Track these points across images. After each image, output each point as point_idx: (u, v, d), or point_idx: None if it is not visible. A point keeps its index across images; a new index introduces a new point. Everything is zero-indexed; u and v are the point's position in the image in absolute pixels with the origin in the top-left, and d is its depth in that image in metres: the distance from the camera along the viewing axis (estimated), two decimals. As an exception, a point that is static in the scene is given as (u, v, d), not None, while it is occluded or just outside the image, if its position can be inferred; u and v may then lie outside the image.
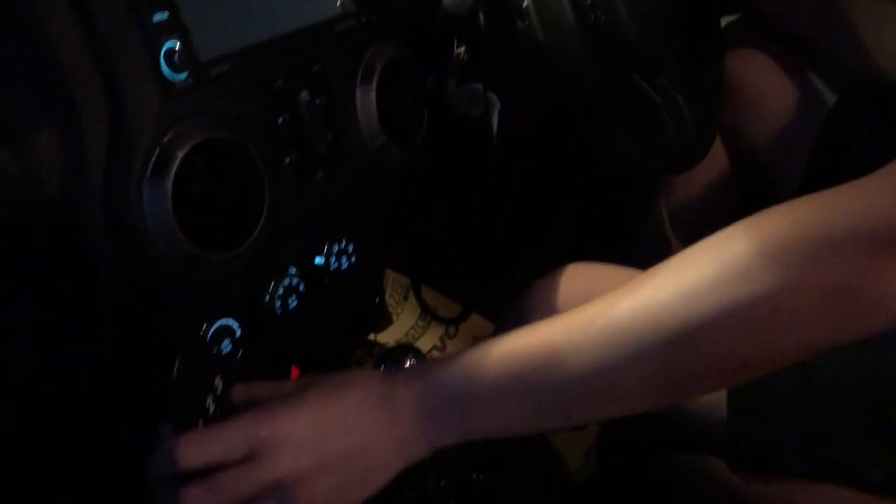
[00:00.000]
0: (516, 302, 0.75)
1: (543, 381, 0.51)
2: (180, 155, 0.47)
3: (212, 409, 0.56)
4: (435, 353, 1.33)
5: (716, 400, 0.68)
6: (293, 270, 0.65)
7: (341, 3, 0.60)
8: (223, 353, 0.57)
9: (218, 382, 0.57)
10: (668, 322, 0.48)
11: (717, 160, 1.00)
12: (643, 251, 1.05)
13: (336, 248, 0.69)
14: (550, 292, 0.71)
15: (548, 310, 0.70)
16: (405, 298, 1.42)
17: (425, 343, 1.34)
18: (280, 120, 0.55)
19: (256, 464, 0.50)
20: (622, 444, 0.80)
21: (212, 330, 0.58)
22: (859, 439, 0.64)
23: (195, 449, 0.50)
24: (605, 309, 0.50)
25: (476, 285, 1.18)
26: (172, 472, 0.50)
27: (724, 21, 1.00)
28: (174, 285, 0.51)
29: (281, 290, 0.64)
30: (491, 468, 0.79)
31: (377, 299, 0.78)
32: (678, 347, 0.48)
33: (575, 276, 0.73)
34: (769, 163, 0.93)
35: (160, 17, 0.47)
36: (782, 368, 0.60)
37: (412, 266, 1.31)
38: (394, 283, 1.53)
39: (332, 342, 0.73)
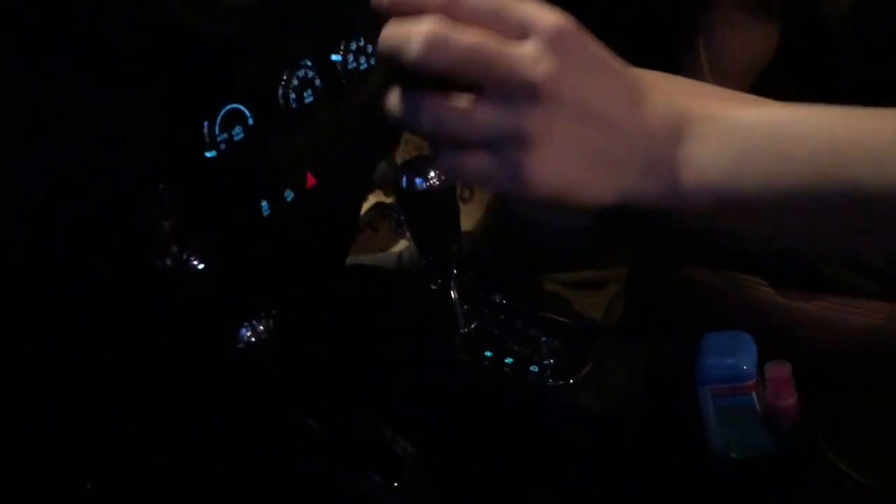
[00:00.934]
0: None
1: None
2: None
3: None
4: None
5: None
6: (307, 63, 0.60)
7: None
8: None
9: None
10: None
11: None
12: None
13: (354, 45, 0.64)
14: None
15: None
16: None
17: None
18: None
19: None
20: (655, 275, 0.76)
21: (221, 113, 0.54)
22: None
23: None
24: None
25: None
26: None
27: None
28: (185, 40, 0.46)
29: (295, 81, 0.59)
30: (516, 296, 0.76)
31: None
32: None
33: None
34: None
35: None
36: None
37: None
38: (406, 146, 1.49)
39: (349, 154, 0.68)
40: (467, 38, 0.39)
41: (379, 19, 0.41)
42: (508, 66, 0.39)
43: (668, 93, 0.43)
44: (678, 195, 0.42)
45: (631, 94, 0.42)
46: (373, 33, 0.41)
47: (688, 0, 0.92)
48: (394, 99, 0.41)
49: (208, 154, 0.54)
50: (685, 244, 0.70)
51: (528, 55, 0.39)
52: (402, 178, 0.67)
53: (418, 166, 0.67)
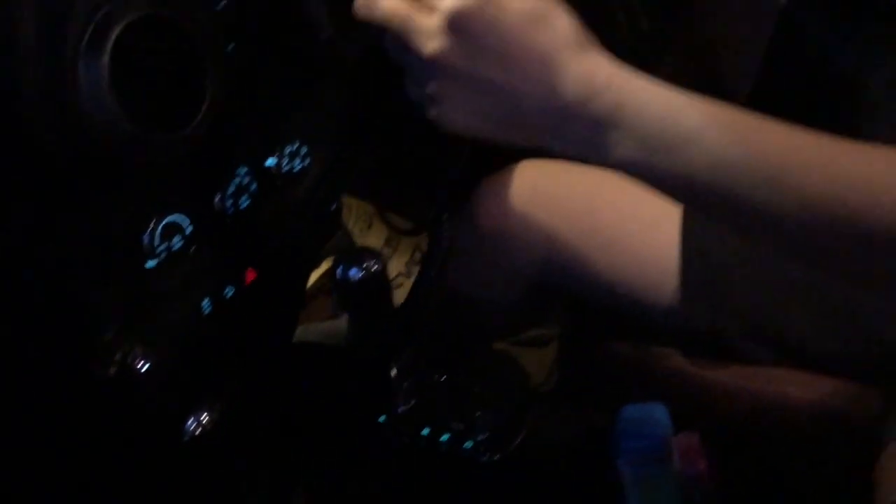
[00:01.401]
0: (470, 200, 0.75)
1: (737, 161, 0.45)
2: (117, 30, 0.45)
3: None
4: (401, 280, 1.34)
5: (671, 291, 0.69)
6: (243, 170, 0.64)
7: None
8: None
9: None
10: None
11: (670, 66, 1.00)
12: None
13: (288, 149, 0.69)
14: (502, 188, 0.71)
15: (500, 205, 0.71)
16: (369, 227, 1.42)
17: (391, 271, 1.35)
18: (221, 4, 0.54)
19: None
20: (583, 344, 0.81)
21: (161, 225, 0.58)
22: (806, 321, 0.66)
23: None
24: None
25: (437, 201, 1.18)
26: None
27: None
28: (119, 170, 0.50)
29: (232, 189, 0.63)
30: (454, 371, 0.80)
31: (334, 206, 0.78)
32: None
33: (526, 173, 0.73)
34: (722, 66, 0.93)
35: None
36: (737, 259, 0.61)
37: (376, 191, 1.31)
38: (357, 212, 1.53)
39: (288, 248, 0.72)
40: (386, 4, 0.48)
41: None
42: (409, 38, 0.47)
43: (585, 72, 0.47)
44: (585, 158, 0.48)
45: (539, 69, 0.46)
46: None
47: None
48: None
49: (148, 264, 0.58)
50: (606, 319, 0.76)
51: (426, 30, 0.46)
52: (337, 268, 0.71)
53: (353, 257, 0.72)
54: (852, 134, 0.86)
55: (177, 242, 0.59)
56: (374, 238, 1.39)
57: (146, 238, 0.57)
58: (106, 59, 0.45)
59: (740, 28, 0.90)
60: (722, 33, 0.91)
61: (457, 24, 0.46)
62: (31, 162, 0.47)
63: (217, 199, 0.62)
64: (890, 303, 0.61)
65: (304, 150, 0.70)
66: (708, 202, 0.46)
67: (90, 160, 0.49)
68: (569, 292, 0.75)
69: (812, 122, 0.88)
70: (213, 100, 0.52)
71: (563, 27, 0.47)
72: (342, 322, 1.32)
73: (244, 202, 0.64)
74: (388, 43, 0.49)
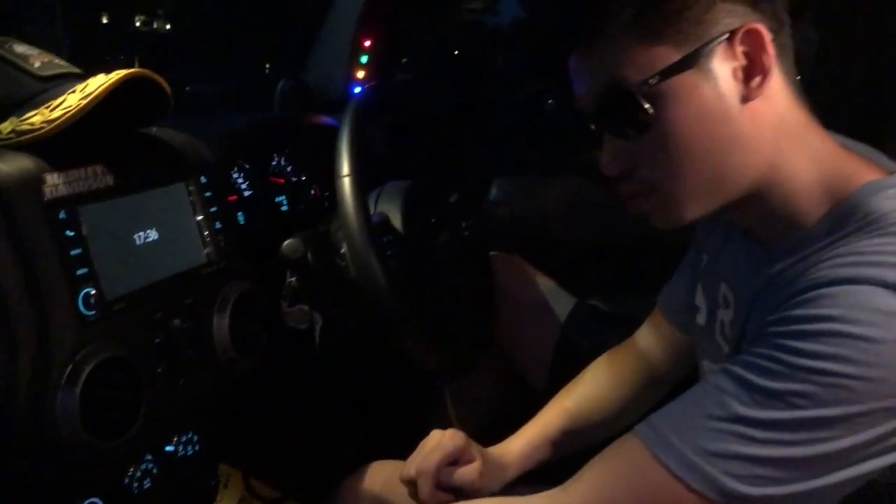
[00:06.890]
0: (330, 495, 0.93)
1: None
2: (87, 369, 0.64)
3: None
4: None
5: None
6: (149, 457, 0.80)
7: (206, 254, 0.82)
8: None
9: None
10: None
11: (491, 368, 1.26)
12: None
13: (184, 437, 0.85)
14: (358, 485, 0.90)
15: (356, 500, 0.89)
16: (225, 487, 1.54)
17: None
18: (157, 340, 0.74)
19: None
20: None
21: (82, 507, 0.72)
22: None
23: None
24: None
25: (295, 474, 1.33)
26: None
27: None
28: (63, 466, 0.66)
29: (139, 473, 0.79)
30: None
31: (214, 482, 0.93)
32: None
33: (377, 473, 0.92)
34: (525, 364, 1.21)
35: (82, 271, 0.66)
36: None
37: (242, 457, 1.44)
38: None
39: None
40: None
41: None
42: None
43: None
44: None
45: None
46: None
47: (440, 372, 1.22)
48: None
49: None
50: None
51: None
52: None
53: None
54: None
55: (91, 521, 0.73)
56: (228, 498, 1.50)
57: (67, 521, 0.71)
58: (78, 389, 0.63)
59: (533, 340, 1.19)
60: (523, 341, 1.20)
61: None
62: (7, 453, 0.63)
63: (126, 481, 0.77)
64: None
65: (195, 438, 0.87)
66: None
67: (45, 458, 0.64)
68: None
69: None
70: (146, 411, 0.70)
71: None
72: None
73: (147, 484, 0.79)
74: None
